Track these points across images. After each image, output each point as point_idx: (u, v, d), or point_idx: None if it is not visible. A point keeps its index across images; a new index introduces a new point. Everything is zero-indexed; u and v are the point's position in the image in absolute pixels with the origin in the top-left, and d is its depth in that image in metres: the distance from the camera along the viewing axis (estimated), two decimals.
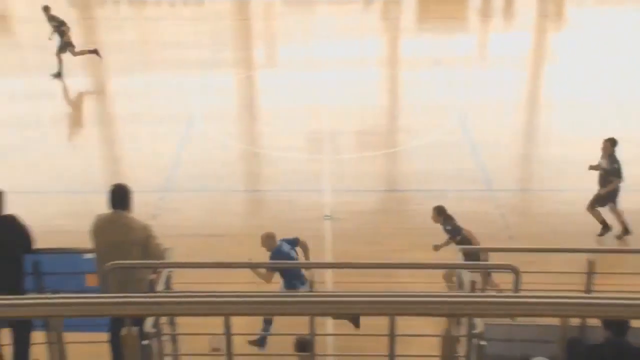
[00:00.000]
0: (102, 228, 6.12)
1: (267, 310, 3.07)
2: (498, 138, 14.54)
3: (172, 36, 22.34)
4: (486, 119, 15.55)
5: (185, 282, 6.59)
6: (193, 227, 11.18)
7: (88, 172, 13.03)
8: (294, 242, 8.53)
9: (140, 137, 14.57)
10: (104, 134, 15.40)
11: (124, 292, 5.28)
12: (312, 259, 8.77)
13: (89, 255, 6.23)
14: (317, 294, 3.25)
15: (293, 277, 8.15)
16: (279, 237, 8.43)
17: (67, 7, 25.36)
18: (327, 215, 11.38)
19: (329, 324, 8.25)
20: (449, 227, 9.20)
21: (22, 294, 5.81)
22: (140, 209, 6.57)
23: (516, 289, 5.63)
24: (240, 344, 4.47)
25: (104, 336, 6.11)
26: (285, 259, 8.23)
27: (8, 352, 6.10)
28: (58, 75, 17.55)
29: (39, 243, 6.29)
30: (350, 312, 2.91)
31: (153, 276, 5.73)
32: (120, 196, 6.18)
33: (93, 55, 17.91)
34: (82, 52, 17.76)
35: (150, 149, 13.91)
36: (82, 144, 14.30)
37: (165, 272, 5.70)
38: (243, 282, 8.45)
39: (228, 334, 3.93)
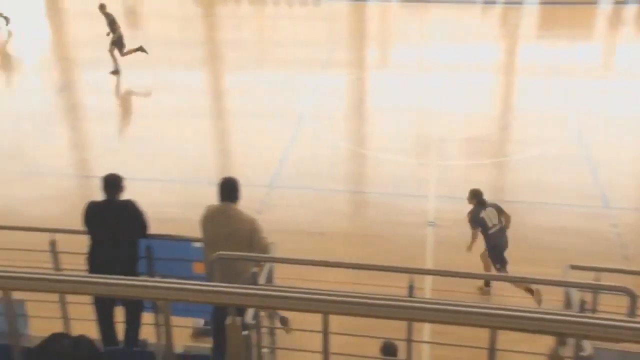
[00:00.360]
0: (211, 219, 6.33)
1: (364, 311, 3.08)
2: (618, 154, 13.79)
3: (288, 35, 22.82)
4: (606, 133, 14.78)
5: (286, 277, 6.71)
6: (297, 224, 11.36)
7: (201, 164, 13.55)
8: None
9: (251, 132, 14.98)
10: (217, 127, 15.95)
11: (228, 282, 5.45)
12: (413, 265, 8.67)
13: (198, 244, 6.47)
14: (417, 300, 3.22)
15: None
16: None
17: (192, 4, 26.50)
18: (431, 222, 11.23)
19: (425, 330, 8.15)
20: (469, 214, 9.31)
21: (136, 276, 6.12)
22: (247, 203, 6.76)
23: (631, 313, 5.32)
24: (337, 344, 4.50)
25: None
26: None
27: (121, 329, 6.45)
28: (116, 72, 17.90)
29: (152, 229, 6.61)
30: (453, 322, 2.85)
31: (256, 269, 5.87)
32: (229, 189, 6.37)
33: (142, 53, 18.12)
34: (129, 52, 18.04)
35: (260, 145, 14.27)
36: (196, 136, 14.88)
37: (268, 265, 5.84)
38: (343, 282, 8.50)
39: (325, 332, 3.97)
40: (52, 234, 7.18)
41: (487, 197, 9.53)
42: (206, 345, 6.40)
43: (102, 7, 17.91)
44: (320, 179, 12.88)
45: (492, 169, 13.50)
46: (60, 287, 3.52)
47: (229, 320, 3.77)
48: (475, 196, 9.43)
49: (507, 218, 9.39)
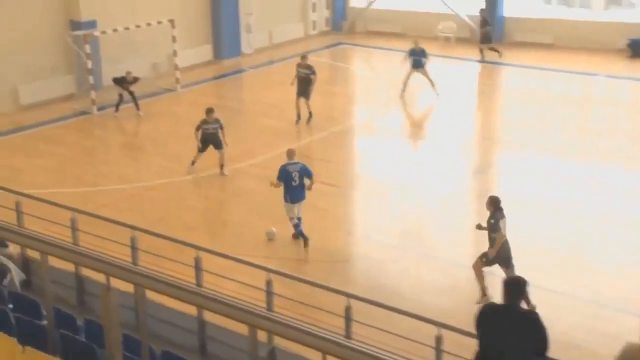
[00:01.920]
0: None
1: None
2: None
3: None
4: None
5: None
6: None
7: (625, 288, 12.08)
8: (305, 171, 12.77)
9: None
10: None
11: None
12: None
13: None
14: None
15: (288, 191, 12.70)
16: None
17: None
18: None
19: None
20: (492, 221, 10.83)
21: None
22: None
23: None
24: None
25: None
26: (284, 176, 12.64)
27: None
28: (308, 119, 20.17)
29: (552, 352, 6.02)
30: None
31: None
32: None
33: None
34: (301, 109, 19.95)
35: None
36: (622, 250, 13.52)
37: None
38: None
39: None
40: (439, 328, 7.11)
41: None
42: None
43: (303, 58, 20.47)
44: None
45: None
46: None
47: None
48: (495, 202, 10.88)
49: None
